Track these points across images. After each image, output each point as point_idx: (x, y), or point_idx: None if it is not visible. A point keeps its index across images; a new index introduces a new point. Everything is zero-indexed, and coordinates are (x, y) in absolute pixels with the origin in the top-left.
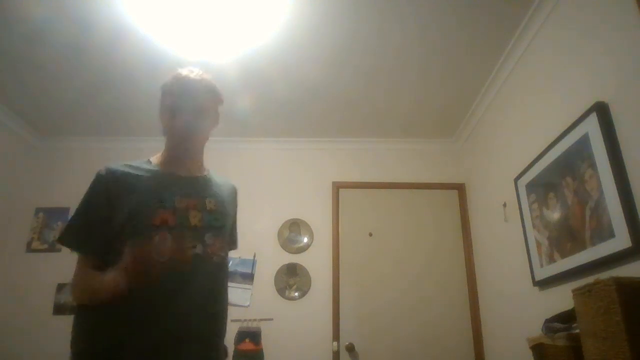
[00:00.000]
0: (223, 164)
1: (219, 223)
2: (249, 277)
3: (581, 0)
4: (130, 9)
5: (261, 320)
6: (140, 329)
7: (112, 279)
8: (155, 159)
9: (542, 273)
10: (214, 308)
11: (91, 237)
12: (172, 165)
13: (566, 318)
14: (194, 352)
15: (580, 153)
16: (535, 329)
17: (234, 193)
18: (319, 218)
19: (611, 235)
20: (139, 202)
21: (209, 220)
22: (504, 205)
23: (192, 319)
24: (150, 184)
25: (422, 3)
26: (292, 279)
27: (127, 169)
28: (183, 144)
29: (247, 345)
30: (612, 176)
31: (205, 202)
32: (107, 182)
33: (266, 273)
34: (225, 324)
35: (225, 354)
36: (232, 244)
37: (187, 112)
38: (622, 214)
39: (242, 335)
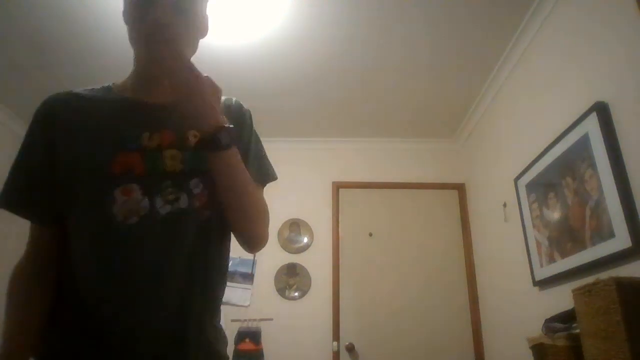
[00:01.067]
0: None
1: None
2: (248, 277)
3: (581, 1)
4: None
5: (261, 320)
6: (97, 332)
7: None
8: (119, 84)
9: (542, 273)
10: (206, 285)
11: (29, 196)
12: (141, 91)
13: (566, 318)
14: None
15: (580, 153)
16: (535, 329)
17: (241, 115)
18: (319, 218)
19: (611, 235)
20: (88, 141)
21: (194, 160)
22: (504, 205)
23: (175, 308)
24: (105, 115)
25: (423, 4)
26: (292, 279)
27: (73, 98)
28: (154, 53)
29: (247, 345)
30: (612, 176)
31: (188, 136)
32: (44, 118)
33: (266, 273)
34: (218, 303)
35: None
36: (258, 177)
37: (159, 5)
38: (622, 214)
39: (242, 335)
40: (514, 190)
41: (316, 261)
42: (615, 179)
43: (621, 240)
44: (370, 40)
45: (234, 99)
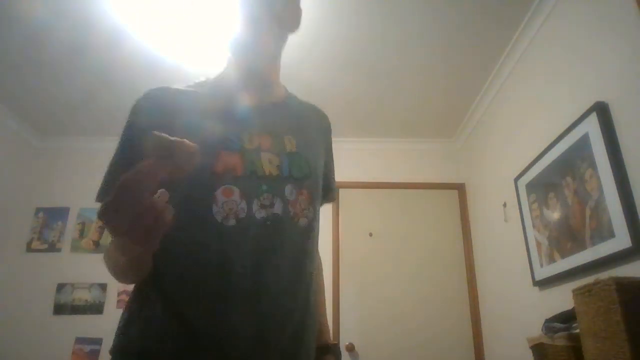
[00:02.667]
0: None
1: (303, 171)
2: None
3: (581, 1)
4: (131, 9)
5: None
6: (187, 340)
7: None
8: (213, 79)
9: (542, 273)
10: (300, 294)
11: None
12: (236, 88)
13: (566, 318)
14: None
15: (580, 153)
16: (535, 329)
17: (325, 125)
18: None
19: (611, 235)
20: (194, 138)
21: (290, 166)
22: (504, 205)
23: (271, 317)
24: (209, 112)
25: (422, 3)
26: None
27: (175, 93)
28: (246, 49)
29: None
30: (612, 176)
31: (284, 141)
32: (147, 111)
33: None
34: (314, 314)
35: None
36: (328, 194)
37: (249, 1)
38: (622, 214)
39: None
40: (514, 190)
41: None
42: (615, 179)
43: (621, 240)
44: (370, 41)
45: (325, 114)
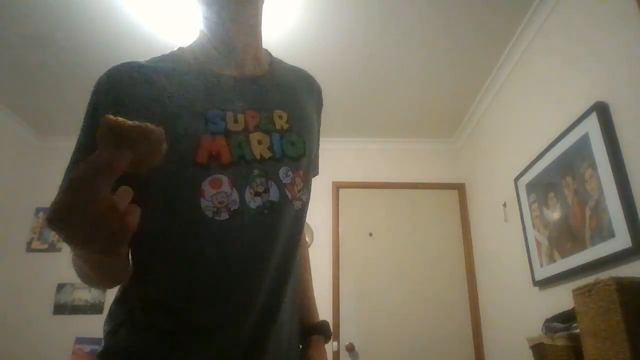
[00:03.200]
0: None
1: (298, 149)
2: None
3: (581, 0)
4: (132, 8)
5: None
6: (182, 337)
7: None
8: (188, 50)
9: (542, 273)
10: (288, 286)
11: None
12: (213, 59)
13: (566, 318)
14: None
15: (580, 153)
16: (535, 329)
17: (316, 90)
18: (319, 218)
19: (611, 235)
20: (168, 123)
21: (282, 145)
22: (504, 205)
23: (267, 310)
24: (184, 91)
25: (423, 4)
26: None
27: (141, 68)
28: (224, 13)
29: None
30: (612, 176)
31: (273, 117)
32: (111, 92)
33: None
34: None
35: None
36: (313, 169)
37: None
38: (622, 214)
39: None
40: (514, 190)
41: (316, 261)
42: (615, 179)
43: (621, 240)
44: (370, 41)
45: (313, 77)
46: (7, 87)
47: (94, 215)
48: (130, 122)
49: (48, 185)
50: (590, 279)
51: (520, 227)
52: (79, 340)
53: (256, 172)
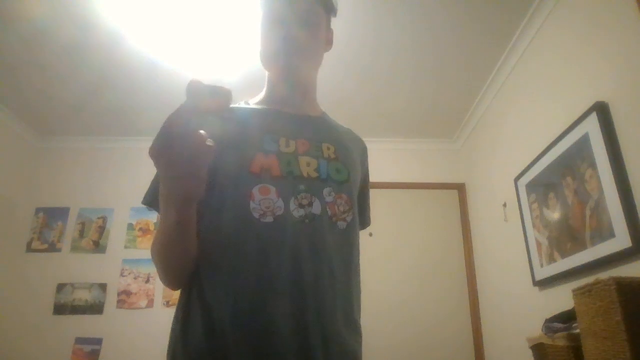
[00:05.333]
0: None
1: (342, 176)
2: None
3: (581, 0)
4: (130, 10)
5: None
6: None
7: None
8: (253, 100)
9: (542, 273)
10: (344, 303)
11: None
12: (276, 103)
13: (566, 318)
14: None
15: (580, 153)
16: (535, 329)
17: (362, 147)
18: None
19: (611, 235)
20: (231, 144)
21: (328, 170)
22: (504, 205)
23: (311, 311)
24: (245, 123)
25: (423, 3)
26: None
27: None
28: (284, 68)
29: None
30: (612, 176)
31: (322, 147)
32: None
33: None
34: (358, 325)
35: None
36: (363, 220)
37: (287, 22)
38: (622, 214)
39: None
40: (514, 190)
41: None
42: (615, 179)
43: (621, 240)
44: (370, 41)
45: (358, 135)
46: (7, 87)
47: (183, 136)
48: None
49: (48, 185)
50: (590, 279)
51: (520, 227)
52: (79, 340)
53: (302, 187)
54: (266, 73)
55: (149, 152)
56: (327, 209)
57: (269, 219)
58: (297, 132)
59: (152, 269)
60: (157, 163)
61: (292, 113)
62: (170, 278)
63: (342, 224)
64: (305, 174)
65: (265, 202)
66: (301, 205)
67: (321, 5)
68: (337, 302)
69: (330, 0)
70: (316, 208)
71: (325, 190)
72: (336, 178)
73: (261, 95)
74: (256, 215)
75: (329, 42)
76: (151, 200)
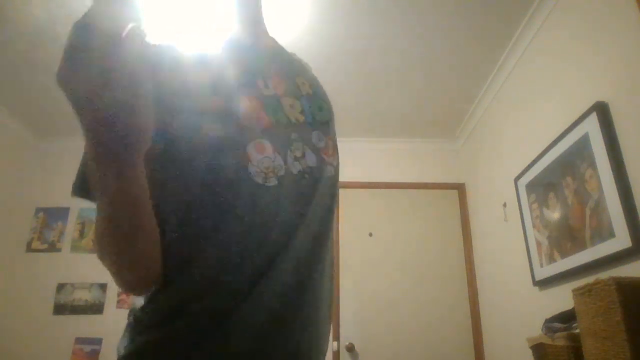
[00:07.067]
0: None
1: (325, 115)
2: None
3: (581, 0)
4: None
5: None
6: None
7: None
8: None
9: (542, 273)
10: (325, 263)
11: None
12: (241, 34)
13: (566, 318)
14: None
15: (580, 153)
16: (535, 329)
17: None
18: None
19: (611, 235)
20: (206, 85)
21: (312, 111)
22: (504, 205)
23: (304, 287)
24: (211, 59)
25: (423, 4)
26: None
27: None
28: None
29: None
30: (612, 176)
31: (298, 83)
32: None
33: None
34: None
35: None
36: None
37: None
38: (622, 214)
39: None
40: (514, 190)
41: None
42: (615, 179)
43: (621, 240)
44: (370, 41)
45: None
46: (7, 87)
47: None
48: None
49: (48, 185)
50: (590, 279)
51: (520, 227)
52: (79, 340)
53: (294, 135)
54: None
55: (61, 78)
56: (322, 156)
57: (274, 181)
58: (269, 68)
59: None
60: (77, 95)
61: (251, 44)
62: (137, 274)
63: (330, 169)
64: (292, 119)
65: (264, 162)
66: (296, 158)
67: None
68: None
69: None
70: (310, 158)
71: (314, 135)
72: (320, 118)
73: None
74: (259, 180)
75: None
76: (81, 187)
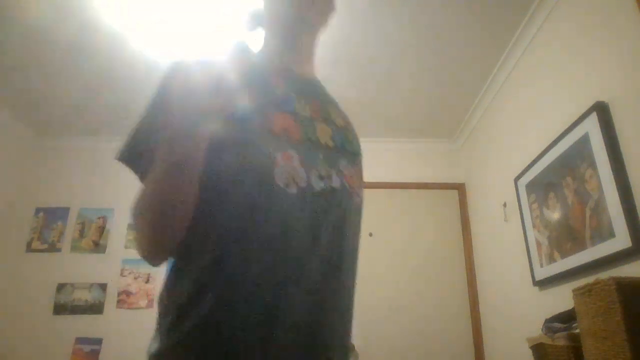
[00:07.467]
0: None
1: (354, 147)
2: None
3: (581, 0)
4: (131, 10)
5: None
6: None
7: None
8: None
9: (542, 273)
10: (351, 283)
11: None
12: (281, 57)
13: (566, 318)
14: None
15: (580, 153)
16: (535, 329)
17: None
18: None
19: (611, 235)
20: (244, 99)
21: (342, 140)
22: (504, 205)
23: (327, 301)
24: (254, 75)
25: (423, 3)
26: None
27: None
28: (293, 25)
29: None
30: (612, 176)
31: (331, 114)
32: (187, 73)
33: None
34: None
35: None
36: None
37: None
38: (622, 214)
39: None
40: (514, 190)
41: None
42: (615, 179)
43: (621, 240)
44: (369, 41)
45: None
46: (7, 87)
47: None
48: None
49: (48, 185)
50: (590, 279)
51: (520, 227)
52: (79, 340)
53: (321, 156)
54: (263, 32)
55: (119, 157)
56: (346, 182)
57: (293, 189)
58: (308, 94)
59: (152, 269)
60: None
61: (300, 73)
62: (160, 240)
63: (357, 200)
64: (322, 142)
65: (288, 169)
66: (321, 177)
67: None
68: (347, 286)
69: None
70: (335, 181)
71: (342, 162)
72: (349, 149)
73: (261, 50)
74: (281, 183)
75: (332, 6)
76: (130, 154)
